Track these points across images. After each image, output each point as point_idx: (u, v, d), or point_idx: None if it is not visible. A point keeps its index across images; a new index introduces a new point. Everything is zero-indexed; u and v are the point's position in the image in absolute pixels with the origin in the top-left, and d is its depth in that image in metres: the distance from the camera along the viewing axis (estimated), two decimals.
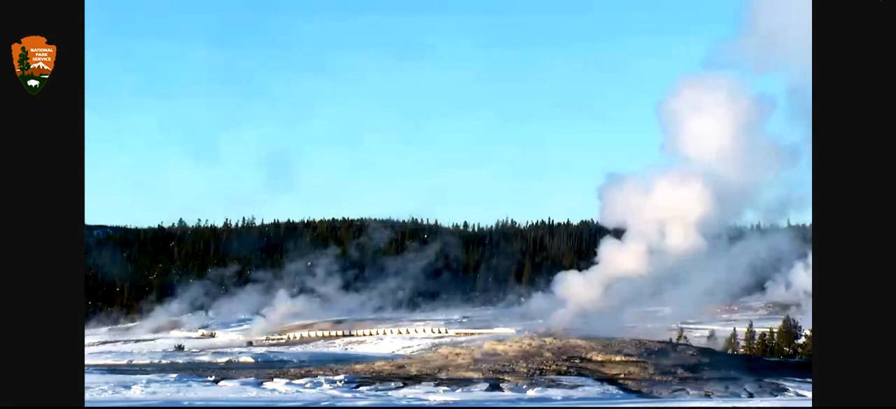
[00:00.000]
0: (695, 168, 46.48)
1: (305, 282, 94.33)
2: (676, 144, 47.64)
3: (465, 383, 34.76)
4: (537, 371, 37.03)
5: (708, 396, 33.58)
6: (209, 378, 36.88)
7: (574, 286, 47.53)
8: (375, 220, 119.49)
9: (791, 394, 34.39)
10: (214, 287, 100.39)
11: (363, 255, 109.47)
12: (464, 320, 79.53)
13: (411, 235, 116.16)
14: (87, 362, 39.15)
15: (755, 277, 71.35)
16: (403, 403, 30.45)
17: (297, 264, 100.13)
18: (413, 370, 38.10)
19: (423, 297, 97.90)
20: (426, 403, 29.83)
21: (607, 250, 48.03)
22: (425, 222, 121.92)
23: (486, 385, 34.25)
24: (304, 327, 77.52)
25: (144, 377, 36.82)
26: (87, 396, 26.20)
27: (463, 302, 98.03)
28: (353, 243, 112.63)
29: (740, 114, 45.82)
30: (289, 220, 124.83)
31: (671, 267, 45.86)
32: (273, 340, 72.63)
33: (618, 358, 38.89)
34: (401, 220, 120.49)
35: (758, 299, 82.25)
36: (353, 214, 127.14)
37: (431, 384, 34.67)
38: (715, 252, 46.15)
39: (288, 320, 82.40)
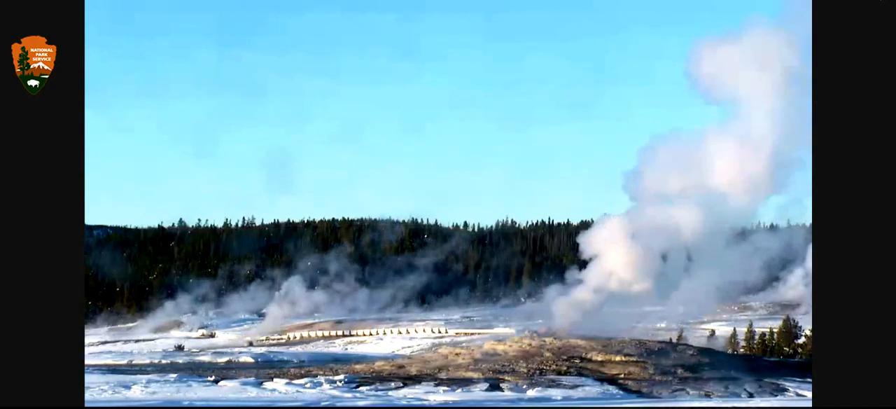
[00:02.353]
0: (738, 129, 42.73)
1: (317, 278, 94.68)
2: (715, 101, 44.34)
3: (465, 383, 34.75)
4: (537, 371, 37.01)
5: (708, 396, 33.57)
6: (209, 378, 36.89)
7: (614, 228, 44.05)
8: (376, 220, 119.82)
9: (791, 394, 34.38)
10: (215, 287, 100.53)
11: (367, 253, 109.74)
12: (464, 320, 79.52)
13: (412, 234, 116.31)
14: (87, 362, 39.27)
15: (769, 273, 69.85)
16: (403, 403, 30.44)
17: (302, 263, 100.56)
18: (413, 370, 38.08)
19: (433, 295, 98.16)
20: (426, 403, 29.82)
21: (651, 207, 43.38)
22: (425, 222, 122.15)
23: (486, 385, 34.23)
24: (304, 327, 77.53)
25: (144, 377, 36.83)
26: (87, 396, 26.24)
27: (465, 302, 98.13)
28: (361, 242, 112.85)
29: (781, 79, 41.78)
30: (289, 220, 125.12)
31: (727, 233, 42.40)
32: (273, 340, 72.63)
33: (618, 358, 38.87)
34: (401, 220, 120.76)
35: (761, 299, 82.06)
36: (353, 214, 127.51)
37: (431, 384, 34.66)
38: (729, 247, 43.87)
39: (302, 312, 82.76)
